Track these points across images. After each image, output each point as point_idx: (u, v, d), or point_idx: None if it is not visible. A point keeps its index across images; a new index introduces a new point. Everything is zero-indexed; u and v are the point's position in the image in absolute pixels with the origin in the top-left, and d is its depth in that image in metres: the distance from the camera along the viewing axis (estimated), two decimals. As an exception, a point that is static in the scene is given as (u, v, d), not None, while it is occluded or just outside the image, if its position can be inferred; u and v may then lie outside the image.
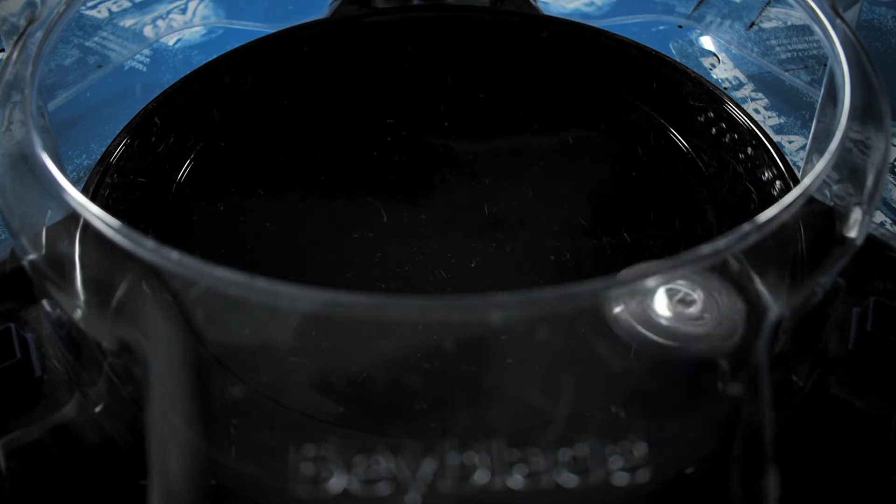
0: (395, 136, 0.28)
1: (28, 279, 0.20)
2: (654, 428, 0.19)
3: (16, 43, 0.22)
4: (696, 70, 0.30)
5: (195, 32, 0.39)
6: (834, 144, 0.18)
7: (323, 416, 0.20)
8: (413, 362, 0.18)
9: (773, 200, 0.25)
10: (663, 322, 0.20)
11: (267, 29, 0.33)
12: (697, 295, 0.20)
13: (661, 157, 0.28)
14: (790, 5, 0.24)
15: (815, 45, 0.38)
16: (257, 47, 0.31)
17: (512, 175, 0.27)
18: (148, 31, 0.39)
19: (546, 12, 0.34)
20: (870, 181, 0.19)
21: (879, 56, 0.37)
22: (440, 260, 0.25)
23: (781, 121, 0.35)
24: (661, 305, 0.20)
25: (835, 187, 0.20)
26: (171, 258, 0.16)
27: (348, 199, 0.27)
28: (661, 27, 0.39)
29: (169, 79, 0.35)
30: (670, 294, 0.20)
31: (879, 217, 0.31)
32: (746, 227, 0.16)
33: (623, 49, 0.30)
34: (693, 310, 0.20)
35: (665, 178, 0.27)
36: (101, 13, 0.40)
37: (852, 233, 0.19)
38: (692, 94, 0.28)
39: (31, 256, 0.19)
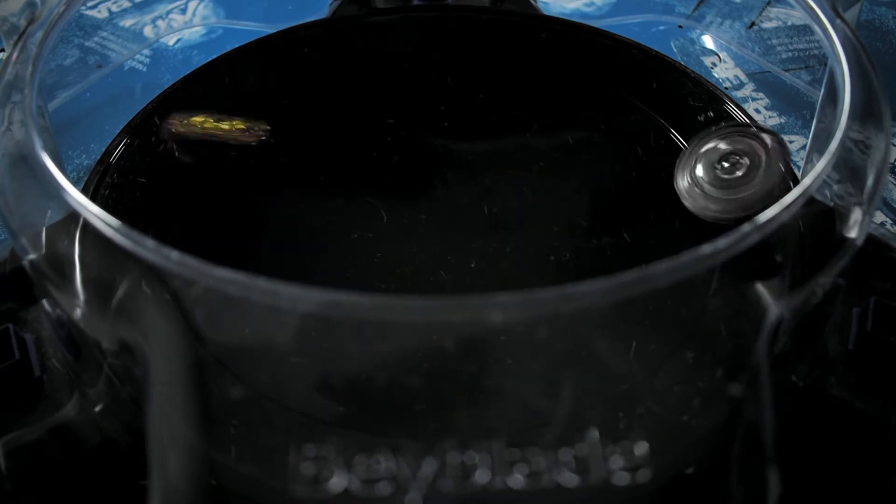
0: (395, 136, 0.28)
1: (28, 279, 0.20)
2: (654, 428, 0.19)
3: (16, 43, 0.22)
4: (696, 69, 0.30)
5: (195, 32, 0.39)
6: (834, 144, 0.18)
7: (323, 416, 0.20)
8: (413, 362, 0.18)
9: (773, 200, 0.25)
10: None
11: (267, 29, 0.33)
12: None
13: (661, 157, 0.28)
14: (790, 5, 0.24)
15: (815, 44, 0.38)
16: (257, 47, 0.31)
17: (512, 175, 0.27)
18: (148, 31, 0.39)
19: (546, 12, 0.34)
20: (870, 181, 0.19)
21: (879, 56, 0.37)
22: (440, 260, 0.24)
23: (782, 121, 0.35)
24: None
25: (835, 187, 0.20)
26: (171, 258, 0.16)
27: (348, 199, 0.27)
28: (661, 27, 0.39)
29: (169, 79, 0.35)
30: None
31: (879, 217, 0.31)
32: (746, 227, 0.16)
33: (623, 49, 0.30)
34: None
35: (665, 178, 0.27)
36: (101, 13, 0.40)
37: (852, 233, 0.19)
38: (692, 94, 0.28)
39: (31, 256, 0.19)
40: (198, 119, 0.27)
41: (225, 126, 0.27)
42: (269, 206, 0.26)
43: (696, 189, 0.23)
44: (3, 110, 0.20)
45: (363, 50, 0.31)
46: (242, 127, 0.27)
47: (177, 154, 0.27)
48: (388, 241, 0.25)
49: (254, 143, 0.27)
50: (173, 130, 0.27)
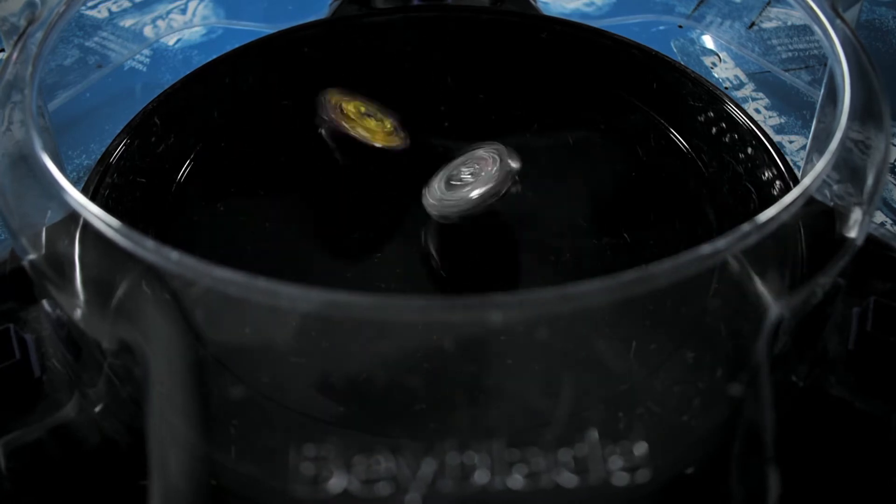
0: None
1: (28, 279, 0.20)
2: (654, 428, 0.19)
3: (16, 43, 0.22)
4: (696, 69, 0.30)
5: (195, 32, 0.39)
6: (834, 144, 0.18)
7: (323, 416, 0.20)
8: (413, 362, 0.18)
9: (773, 200, 0.25)
10: None
11: (267, 29, 0.33)
12: None
13: (661, 157, 0.28)
14: (790, 5, 0.24)
15: (815, 44, 0.38)
16: (257, 47, 0.31)
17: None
18: (148, 31, 0.39)
19: (546, 12, 0.34)
20: (870, 181, 0.19)
21: (879, 56, 0.37)
22: (440, 260, 0.25)
23: (781, 121, 0.35)
24: None
25: (835, 187, 0.20)
26: (171, 258, 0.16)
27: (348, 199, 0.27)
28: (661, 27, 0.39)
29: (169, 79, 0.35)
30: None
31: (879, 217, 0.31)
32: (746, 227, 0.16)
33: (623, 49, 0.30)
34: None
35: (665, 179, 0.27)
36: (101, 13, 0.40)
37: (852, 233, 0.19)
38: (692, 94, 0.28)
39: (31, 256, 0.19)
40: (350, 107, 0.27)
41: (371, 124, 0.27)
42: (269, 205, 0.26)
43: (441, 199, 0.24)
44: (3, 110, 0.20)
45: (363, 50, 0.31)
46: (389, 130, 0.27)
47: (327, 137, 0.27)
48: (388, 241, 0.25)
49: (391, 148, 0.27)
50: (330, 110, 0.26)
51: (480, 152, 0.25)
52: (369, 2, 0.33)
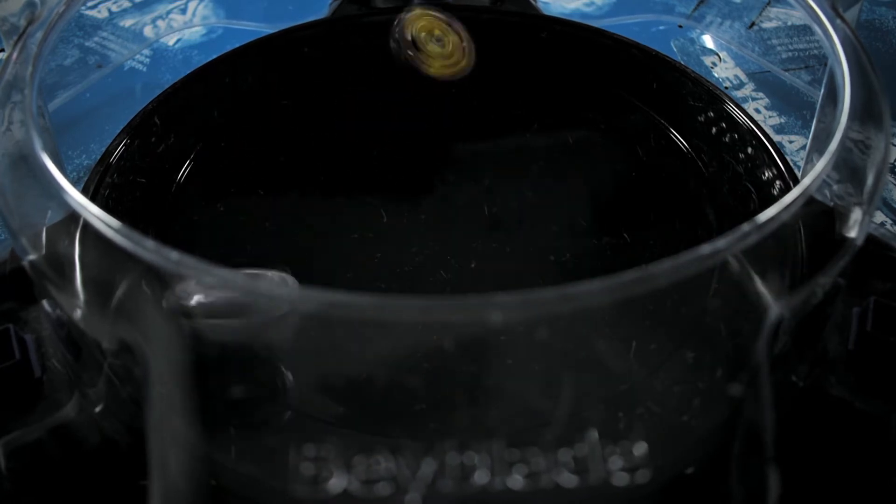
0: (395, 136, 0.28)
1: (28, 279, 0.20)
2: (654, 428, 0.19)
3: (16, 43, 0.22)
4: (696, 69, 0.30)
5: (195, 32, 0.39)
6: (834, 144, 0.18)
7: (323, 416, 0.20)
8: (413, 362, 0.18)
9: (773, 200, 0.25)
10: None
11: (267, 29, 0.33)
12: None
13: (661, 157, 0.28)
14: (790, 5, 0.24)
15: (815, 44, 0.38)
16: (257, 47, 0.31)
17: (512, 175, 0.27)
18: (148, 31, 0.39)
19: (546, 12, 0.34)
20: (870, 181, 0.19)
21: (879, 56, 0.37)
22: (440, 260, 0.25)
23: (782, 121, 0.35)
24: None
25: (835, 187, 0.20)
26: (171, 258, 0.16)
27: (348, 199, 0.27)
28: (661, 27, 0.39)
29: (169, 79, 0.35)
30: None
31: (879, 217, 0.31)
32: (746, 227, 0.16)
33: (623, 49, 0.30)
34: None
35: (665, 178, 0.27)
36: (101, 13, 0.40)
37: (852, 233, 0.19)
38: (692, 94, 0.28)
39: (31, 256, 0.19)
40: (419, 29, 0.26)
41: (434, 50, 0.26)
42: (269, 205, 0.26)
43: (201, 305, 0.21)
44: (3, 110, 0.20)
45: (363, 50, 0.31)
46: (448, 60, 0.26)
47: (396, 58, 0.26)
48: (388, 241, 0.25)
49: (442, 78, 0.26)
50: (401, 30, 0.25)
51: (266, 273, 0.23)
52: (369, 2, 0.33)
